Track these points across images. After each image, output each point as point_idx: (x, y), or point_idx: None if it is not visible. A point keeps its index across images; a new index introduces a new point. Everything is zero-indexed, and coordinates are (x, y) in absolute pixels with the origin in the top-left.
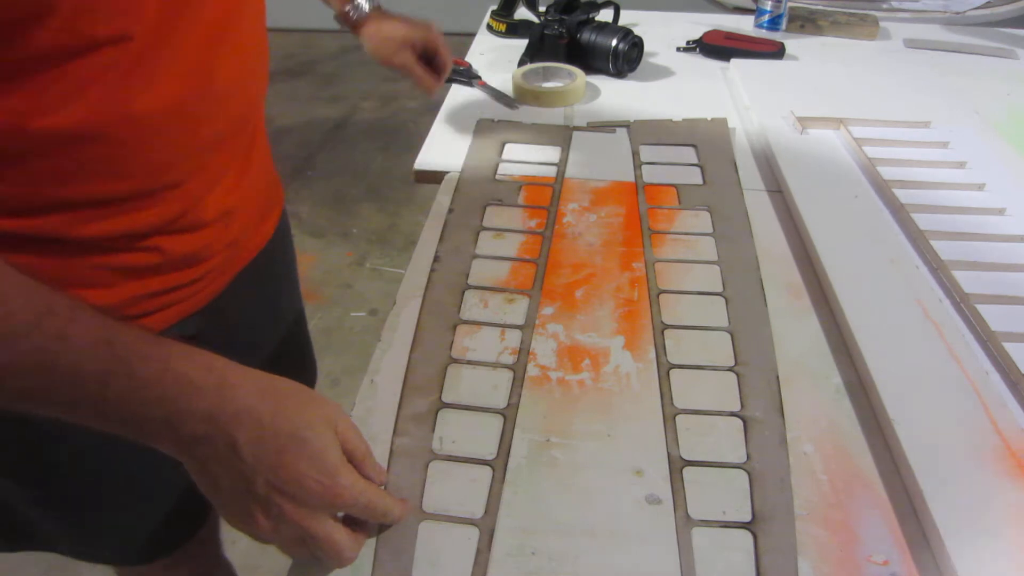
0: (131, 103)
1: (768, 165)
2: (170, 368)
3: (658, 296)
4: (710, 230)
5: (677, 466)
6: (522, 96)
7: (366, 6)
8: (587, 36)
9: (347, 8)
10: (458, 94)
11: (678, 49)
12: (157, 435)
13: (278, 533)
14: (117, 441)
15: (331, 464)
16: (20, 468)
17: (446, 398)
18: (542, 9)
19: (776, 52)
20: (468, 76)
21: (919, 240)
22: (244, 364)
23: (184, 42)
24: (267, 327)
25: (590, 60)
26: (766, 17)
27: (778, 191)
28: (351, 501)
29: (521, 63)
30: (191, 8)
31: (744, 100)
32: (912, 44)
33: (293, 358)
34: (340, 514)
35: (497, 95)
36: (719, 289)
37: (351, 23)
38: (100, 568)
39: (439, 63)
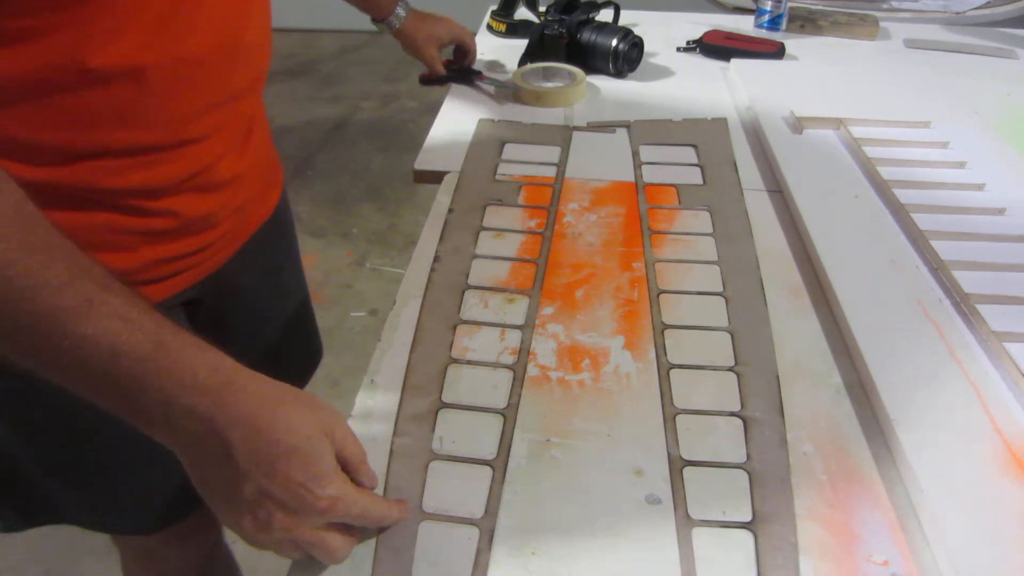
0: (177, 46)
1: (768, 165)
2: (179, 360)
3: (658, 296)
4: (710, 230)
5: (677, 466)
6: (522, 96)
7: (403, 13)
8: (587, 36)
9: (389, 19)
10: (458, 94)
11: (678, 49)
12: (153, 423)
13: (267, 537)
14: None
15: (323, 475)
16: (40, 435)
17: (446, 398)
18: (542, 9)
19: (776, 52)
20: (468, 73)
21: (919, 240)
22: (250, 338)
23: None
24: (272, 303)
25: (590, 60)
26: (766, 17)
27: (778, 191)
28: (343, 511)
29: (521, 63)
30: None
31: (744, 100)
32: (912, 44)
33: (299, 338)
34: None
35: (498, 85)
36: (719, 289)
37: (392, 31)
38: (100, 569)
39: (463, 52)
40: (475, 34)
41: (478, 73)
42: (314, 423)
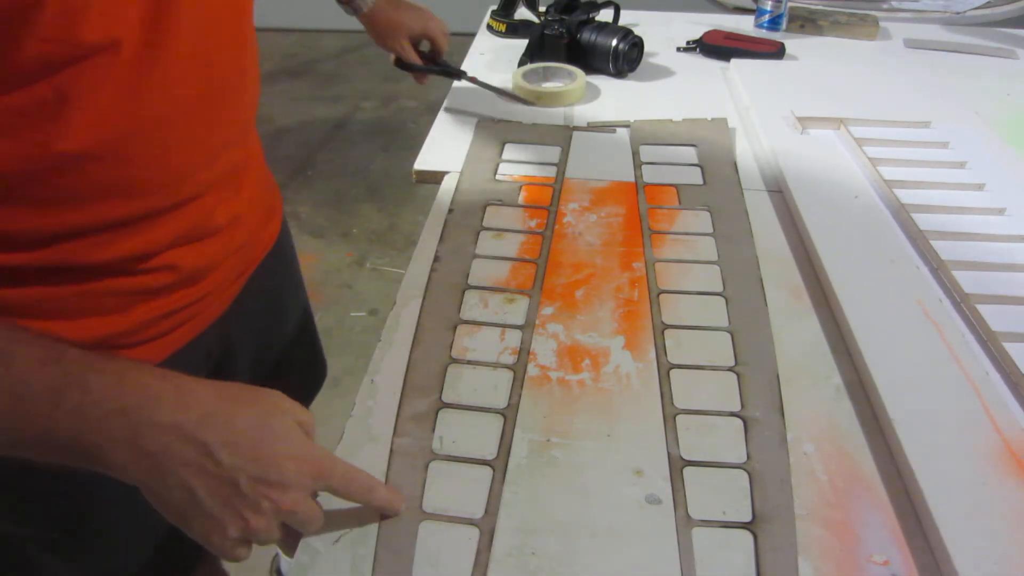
0: (137, 112)
1: (768, 165)
2: (127, 378)
3: (658, 296)
4: (710, 230)
5: (677, 466)
6: (522, 96)
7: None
8: (587, 36)
9: (356, 1)
10: (458, 94)
11: (678, 49)
12: (112, 455)
13: (272, 526)
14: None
15: (302, 441)
16: (37, 512)
17: (446, 398)
18: (542, 9)
19: (776, 52)
20: (453, 72)
21: (919, 240)
22: (254, 361)
23: (177, 42)
24: (274, 329)
25: (590, 60)
26: (766, 17)
27: (778, 191)
28: (330, 470)
29: (521, 63)
30: (175, 7)
31: (744, 100)
32: (912, 44)
33: (303, 356)
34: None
35: (491, 89)
36: (719, 289)
37: (359, 15)
38: None
39: (434, 49)
40: (450, 31)
41: (463, 73)
42: (271, 403)
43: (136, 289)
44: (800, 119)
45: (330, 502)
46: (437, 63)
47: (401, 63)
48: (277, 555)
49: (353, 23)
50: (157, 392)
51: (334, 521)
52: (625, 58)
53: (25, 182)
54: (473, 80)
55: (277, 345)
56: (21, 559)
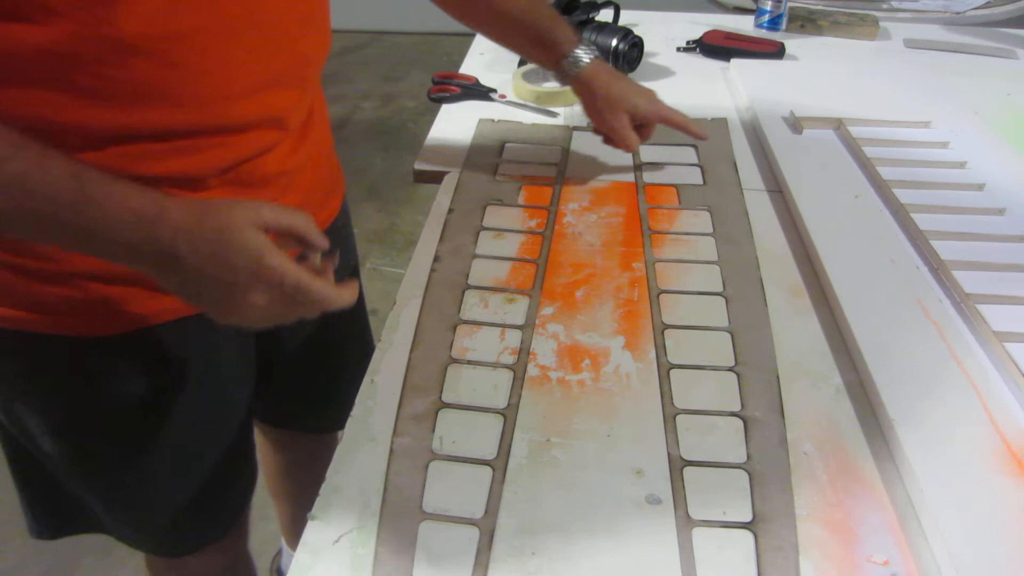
0: (205, 15)
1: (768, 165)
2: (126, 205)
3: (658, 296)
4: (710, 230)
5: (677, 466)
6: (523, 96)
7: (584, 59)
8: (587, 36)
9: (564, 62)
10: (458, 94)
11: (678, 49)
12: (125, 259)
13: (280, 297)
14: (164, 429)
15: (256, 249)
16: (84, 457)
17: (446, 398)
18: None
19: (776, 52)
20: (486, 92)
21: (919, 240)
22: (302, 338)
23: None
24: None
25: None
26: (766, 17)
27: (778, 191)
28: (279, 280)
29: (521, 63)
30: None
31: (744, 100)
32: (912, 44)
33: (354, 333)
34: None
35: (517, 105)
36: (719, 289)
37: (569, 77)
38: (100, 568)
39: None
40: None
41: (493, 90)
42: (237, 215)
43: None
44: (800, 119)
45: (331, 501)
46: (482, 87)
47: (435, 96)
48: (277, 555)
49: (353, 23)
50: (145, 214)
51: (334, 521)
52: (625, 58)
53: (72, 66)
54: (504, 97)
55: (325, 328)
56: (64, 491)
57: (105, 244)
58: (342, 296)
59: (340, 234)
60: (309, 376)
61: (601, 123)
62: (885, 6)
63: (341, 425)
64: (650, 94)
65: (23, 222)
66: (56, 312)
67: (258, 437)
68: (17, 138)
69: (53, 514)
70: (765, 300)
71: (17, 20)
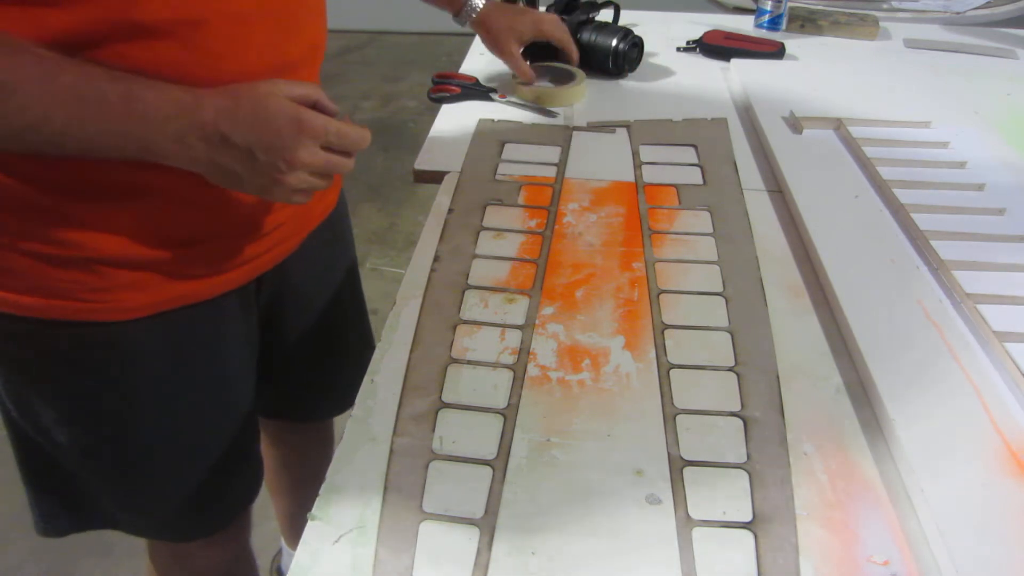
0: (212, 2)
1: (768, 165)
2: (166, 95)
3: (658, 296)
4: (710, 230)
5: (677, 466)
6: (522, 96)
7: (479, 3)
8: (587, 36)
9: (463, 10)
10: (458, 94)
11: (678, 49)
12: (177, 152)
13: (300, 177)
14: (176, 418)
15: (294, 112)
16: (95, 438)
17: (446, 398)
18: (542, 9)
19: (776, 52)
20: (485, 91)
21: (919, 240)
22: (303, 331)
23: None
24: (325, 296)
25: (590, 60)
26: (766, 17)
27: (778, 191)
28: (323, 130)
29: None
30: None
31: (744, 100)
32: (912, 44)
33: (352, 330)
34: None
35: (518, 105)
36: (719, 289)
37: (470, 22)
38: (101, 569)
39: (561, 50)
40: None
41: (493, 90)
42: (263, 89)
43: (206, 202)
44: (800, 119)
45: (331, 501)
46: (480, 87)
47: (435, 96)
48: (277, 554)
49: (353, 23)
50: (184, 102)
51: (334, 521)
52: (625, 58)
53: (100, 48)
54: (504, 96)
55: (328, 315)
56: (74, 481)
57: (155, 141)
58: (367, 135)
59: (339, 225)
60: (310, 366)
61: (500, 56)
62: (885, 6)
63: (337, 413)
64: (540, 18)
65: (79, 136)
66: (72, 297)
67: None
68: (58, 56)
69: (60, 512)
70: (765, 300)
71: (42, 5)
